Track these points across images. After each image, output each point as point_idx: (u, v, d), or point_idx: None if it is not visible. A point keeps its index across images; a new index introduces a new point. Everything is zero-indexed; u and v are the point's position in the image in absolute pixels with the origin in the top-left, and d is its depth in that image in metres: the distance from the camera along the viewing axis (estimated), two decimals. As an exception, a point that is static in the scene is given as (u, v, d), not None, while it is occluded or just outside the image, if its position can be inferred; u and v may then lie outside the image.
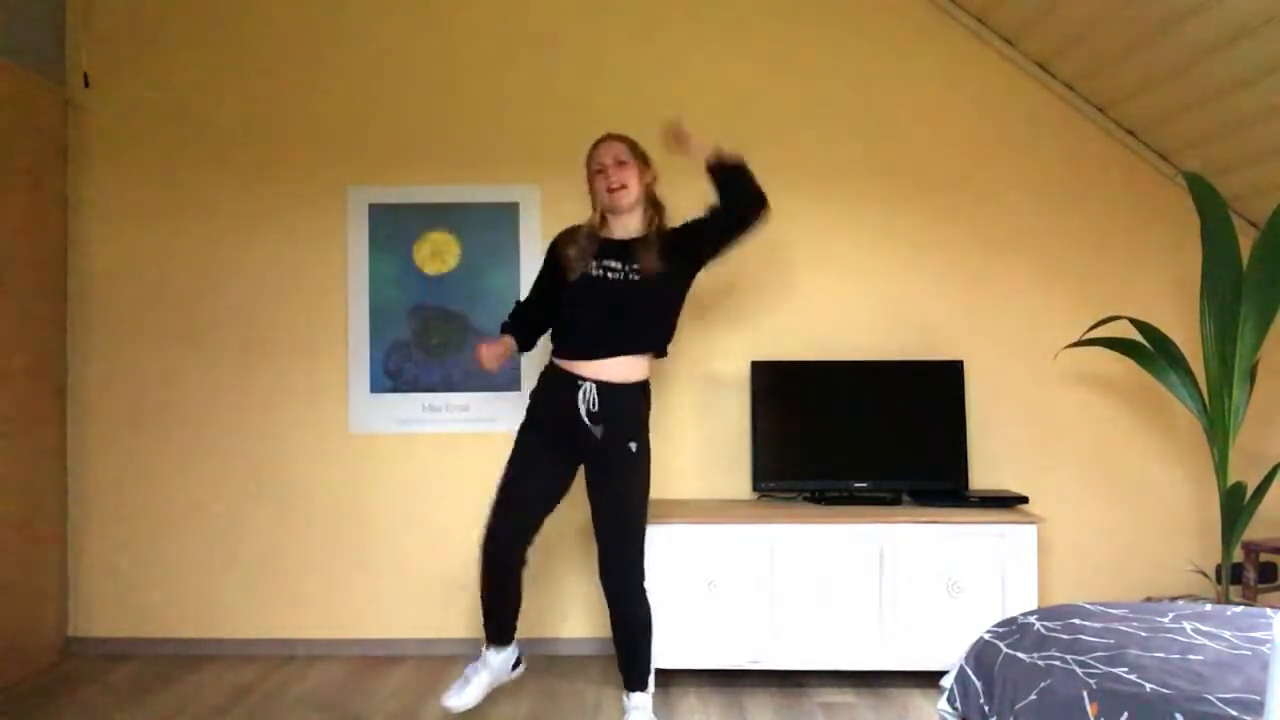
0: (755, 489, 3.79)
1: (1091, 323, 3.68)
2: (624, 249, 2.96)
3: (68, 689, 3.51)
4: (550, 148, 3.92)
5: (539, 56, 3.95)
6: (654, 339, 3.02)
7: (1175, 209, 3.80)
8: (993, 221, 3.93)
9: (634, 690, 3.03)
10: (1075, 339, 3.73)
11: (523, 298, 3.24)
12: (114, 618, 3.92)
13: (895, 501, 3.69)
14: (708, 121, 3.90)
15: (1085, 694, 1.97)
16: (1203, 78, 3.36)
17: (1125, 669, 2.04)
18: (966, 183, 3.93)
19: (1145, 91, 3.63)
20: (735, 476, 3.89)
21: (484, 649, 3.07)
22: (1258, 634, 2.26)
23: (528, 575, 3.07)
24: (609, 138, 3.03)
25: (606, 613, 3.27)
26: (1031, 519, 3.46)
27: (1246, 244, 3.43)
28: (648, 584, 3.02)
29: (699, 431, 3.92)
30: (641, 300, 2.93)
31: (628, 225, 3.00)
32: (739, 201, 2.93)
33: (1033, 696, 2.09)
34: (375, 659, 3.84)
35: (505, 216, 3.94)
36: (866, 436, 3.77)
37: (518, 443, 3.03)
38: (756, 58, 3.94)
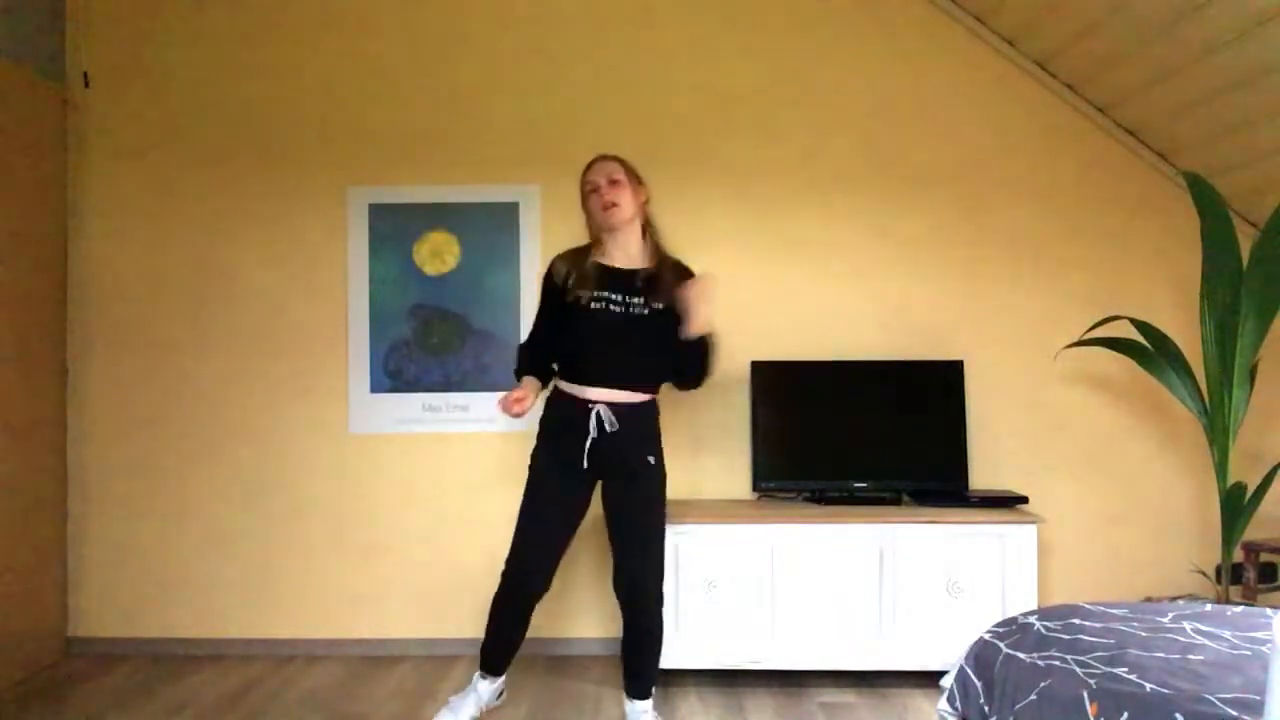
0: (755, 489, 3.79)
1: (1091, 323, 3.68)
2: (625, 279, 2.93)
3: (68, 689, 3.51)
4: (550, 148, 3.93)
5: (539, 56, 3.95)
6: (654, 371, 2.99)
7: (1175, 209, 3.80)
8: (993, 221, 3.93)
9: (635, 698, 3.05)
10: (1075, 339, 3.73)
11: (525, 334, 3.16)
12: (114, 618, 3.92)
13: (895, 501, 3.69)
14: (707, 121, 3.94)
15: (1085, 694, 1.97)
16: (1203, 78, 3.36)
17: (1125, 669, 2.04)
18: (966, 183, 3.93)
19: (1145, 91, 3.63)
20: (735, 476, 3.89)
21: (476, 676, 3.07)
22: (1258, 634, 2.26)
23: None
24: (602, 158, 3.02)
25: (611, 616, 3.28)
26: (1031, 519, 3.46)
27: (1246, 244, 3.43)
28: (665, 597, 3.04)
29: (699, 431, 3.92)
30: (644, 334, 2.91)
31: (628, 250, 2.98)
32: (684, 379, 3.03)
33: (1033, 696, 2.09)
34: (375, 659, 3.84)
35: (505, 216, 3.94)
36: (866, 436, 3.77)
37: (532, 472, 2.99)
38: (756, 58, 3.94)
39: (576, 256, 3.01)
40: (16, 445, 3.60)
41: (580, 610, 3.88)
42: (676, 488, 3.90)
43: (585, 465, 2.89)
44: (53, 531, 3.83)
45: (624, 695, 3.08)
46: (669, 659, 3.45)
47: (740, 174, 3.94)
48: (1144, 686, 1.94)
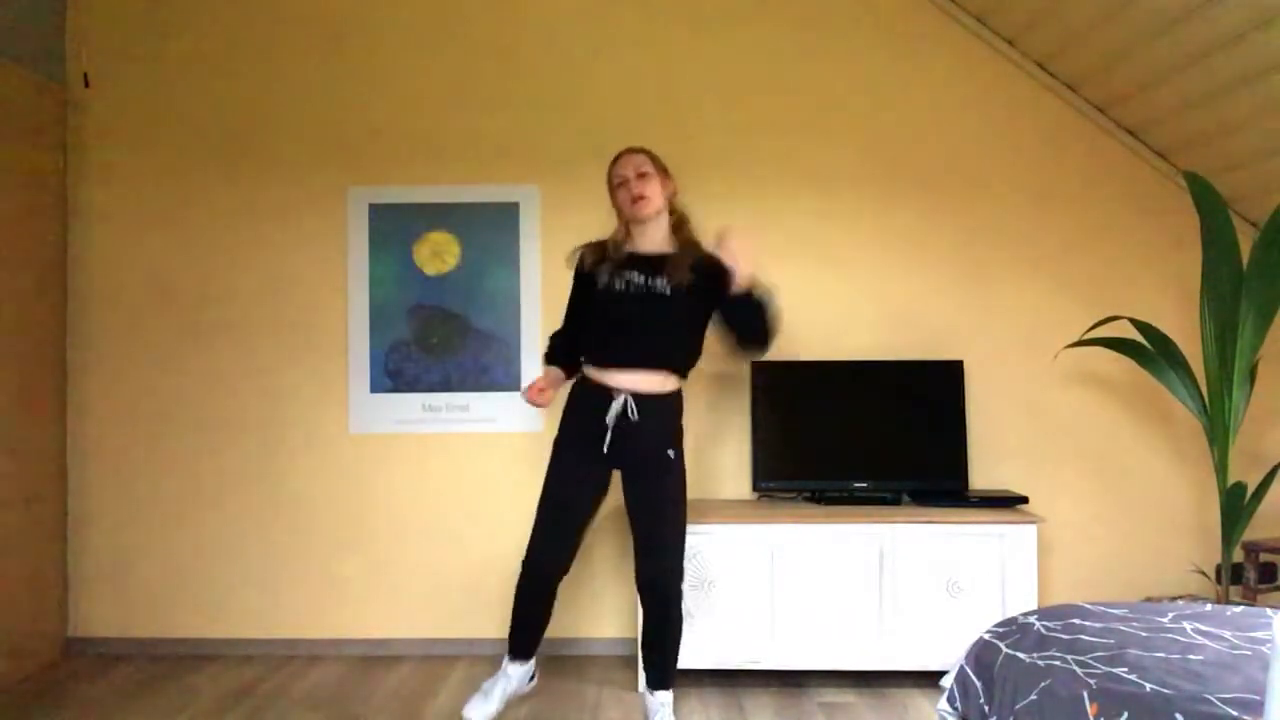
0: (755, 489, 3.79)
1: (1091, 323, 3.68)
2: (650, 262, 2.95)
3: (68, 689, 3.51)
4: (550, 148, 3.93)
5: (539, 57, 3.95)
6: (681, 354, 2.99)
7: (1175, 209, 3.80)
8: (993, 221, 3.93)
9: (658, 689, 3.04)
10: (1075, 339, 3.73)
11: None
12: (114, 618, 3.92)
13: (895, 501, 3.69)
14: (707, 120, 3.94)
15: (1085, 694, 1.97)
16: (1203, 78, 3.36)
17: (1125, 669, 2.04)
18: (967, 183, 3.93)
19: (1145, 91, 3.63)
20: (735, 476, 3.89)
21: (505, 660, 3.05)
22: (1258, 634, 2.26)
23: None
24: (628, 151, 3.03)
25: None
26: (1031, 519, 3.46)
27: (1246, 244, 3.43)
28: (685, 589, 3.05)
29: (699, 431, 3.92)
30: (668, 314, 2.92)
31: (654, 238, 2.99)
32: (746, 339, 3.00)
33: (1033, 696, 2.09)
34: (375, 659, 3.84)
35: (505, 216, 3.94)
36: (866, 436, 3.77)
37: (554, 458, 3.01)
38: (756, 58, 3.94)
39: (601, 244, 3.05)
40: (16, 446, 3.60)
41: (580, 610, 3.87)
42: (676, 488, 3.91)
43: (605, 451, 2.90)
44: (53, 531, 3.83)
45: (645, 688, 3.08)
46: (669, 659, 3.45)
47: (739, 173, 3.94)
48: (1144, 686, 1.94)
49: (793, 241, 3.93)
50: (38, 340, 3.75)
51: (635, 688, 3.47)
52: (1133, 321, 3.60)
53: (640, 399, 2.89)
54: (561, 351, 3.10)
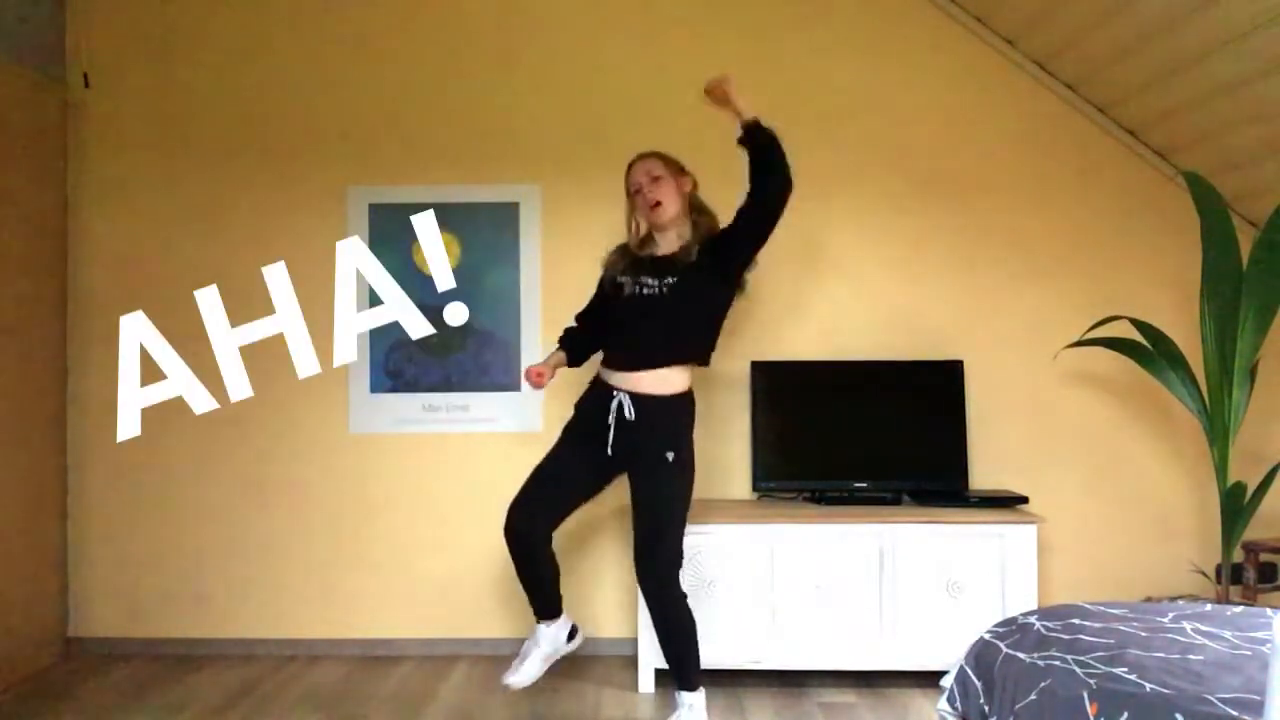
0: (755, 489, 3.79)
1: (1091, 323, 3.68)
2: (661, 264, 2.98)
3: (68, 689, 3.51)
4: (550, 148, 3.93)
5: (539, 56, 3.95)
6: (687, 350, 3.01)
7: (1175, 209, 3.80)
8: (993, 221, 3.93)
9: (682, 689, 3.04)
10: (1075, 339, 3.73)
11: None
12: (114, 618, 3.92)
13: (895, 501, 3.69)
14: (706, 121, 3.92)
15: (1085, 694, 1.97)
16: (1203, 78, 3.36)
17: (1125, 669, 2.04)
18: (966, 183, 3.93)
19: (1145, 91, 3.63)
20: (735, 476, 3.89)
21: (535, 625, 3.09)
22: (1258, 634, 2.26)
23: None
24: (639, 157, 3.07)
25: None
26: (1031, 519, 3.46)
27: (1246, 244, 3.43)
28: (685, 589, 3.02)
29: (699, 431, 3.90)
30: (670, 313, 2.95)
31: (672, 239, 3.03)
32: (767, 185, 2.97)
33: (1033, 696, 2.09)
34: (375, 659, 3.84)
35: (505, 216, 3.94)
36: (866, 436, 3.77)
37: (558, 439, 3.09)
38: (755, 58, 3.93)
39: (621, 252, 3.10)
40: (16, 445, 3.60)
41: (580, 610, 3.87)
42: (676, 488, 3.90)
43: (609, 452, 2.95)
44: (53, 531, 3.83)
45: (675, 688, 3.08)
46: (669, 659, 3.45)
47: (740, 174, 3.92)
48: (1144, 686, 1.94)
49: (793, 242, 3.92)
50: (38, 340, 3.75)
51: (635, 688, 3.47)
52: (1133, 321, 3.60)
53: (638, 400, 2.92)
54: (573, 339, 3.19)
